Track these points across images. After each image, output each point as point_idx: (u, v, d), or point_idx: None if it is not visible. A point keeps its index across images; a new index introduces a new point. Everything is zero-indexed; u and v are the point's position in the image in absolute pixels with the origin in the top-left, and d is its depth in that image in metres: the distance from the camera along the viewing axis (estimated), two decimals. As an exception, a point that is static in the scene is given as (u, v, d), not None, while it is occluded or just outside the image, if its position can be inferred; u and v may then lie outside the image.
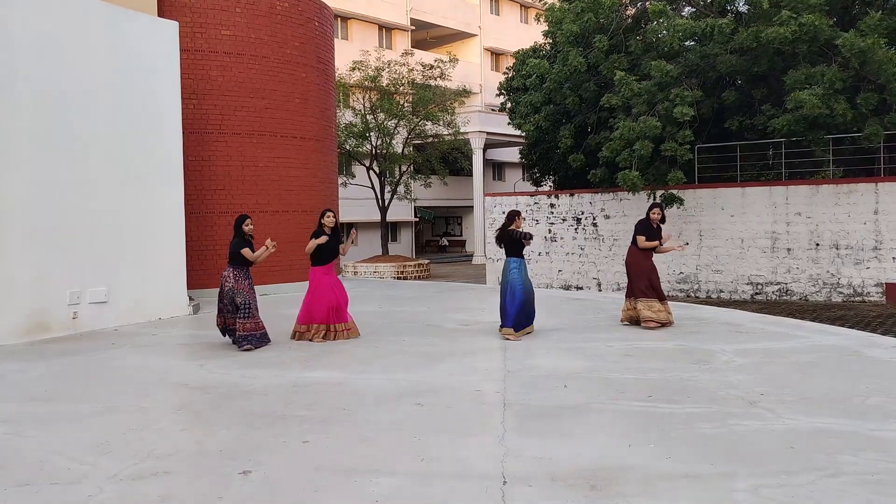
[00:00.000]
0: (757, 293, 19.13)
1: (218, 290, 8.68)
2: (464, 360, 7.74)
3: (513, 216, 9.15)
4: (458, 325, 10.16)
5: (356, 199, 31.93)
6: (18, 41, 9.21)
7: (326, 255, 8.88)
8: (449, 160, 32.19)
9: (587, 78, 20.94)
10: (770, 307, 17.00)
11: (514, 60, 28.24)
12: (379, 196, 28.94)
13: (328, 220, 8.89)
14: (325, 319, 8.88)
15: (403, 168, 30.14)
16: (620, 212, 20.95)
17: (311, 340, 8.84)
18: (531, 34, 38.62)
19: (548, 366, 7.34)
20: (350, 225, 29.91)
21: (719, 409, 5.65)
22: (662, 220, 9.85)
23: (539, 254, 22.45)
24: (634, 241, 9.84)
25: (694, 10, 20.31)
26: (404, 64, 29.20)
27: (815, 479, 4.21)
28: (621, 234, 20.97)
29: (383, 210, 28.94)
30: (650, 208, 9.91)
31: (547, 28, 23.40)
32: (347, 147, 28.03)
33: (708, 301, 18.67)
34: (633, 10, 21.21)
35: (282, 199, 14.24)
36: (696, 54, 18.70)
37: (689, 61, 18.62)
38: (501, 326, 9.05)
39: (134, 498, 4.08)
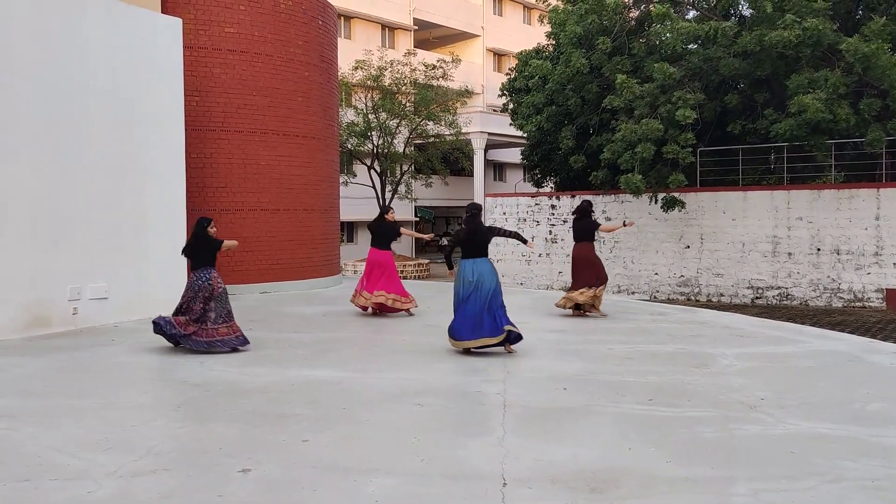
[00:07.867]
0: (757, 297, 19.13)
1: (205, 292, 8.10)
2: (464, 360, 7.72)
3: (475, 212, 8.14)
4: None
5: (357, 199, 31.92)
6: (17, 35, 9.19)
7: (376, 241, 10.91)
8: (450, 160, 32.18)
9: (590, 79, 20.95)
10: (770, 311, 17.01)
11: (516, 61, 28.23)
12: (380, 195, 28.95)
13: (390, 216, 11.12)
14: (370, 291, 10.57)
15: (404, 167, 30.13)
16: (622, 214, 20.94)
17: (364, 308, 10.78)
18: (534, 35, 38.60)
19: (548, 368, 7.32)
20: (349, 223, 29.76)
21: (719, 413, 5.65)
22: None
23: (539, 255, 22.45)
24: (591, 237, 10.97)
25: (697, 13, 20.32)
26: (407, 64, 29.20)
27: (815, 485, 4.20)
28: (622, 237, 20.97)
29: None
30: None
31: (550, 29, 23.42)
32: (349, 146, 28.03)
33: (708, 304, 18.68)
34: (637, 13, 21.23)
35: (283, 198, 14.23)
36: (698, 57, 18.71)
37: (692, 64, 18.63)
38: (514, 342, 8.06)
39: (133, 494, 4.07)
